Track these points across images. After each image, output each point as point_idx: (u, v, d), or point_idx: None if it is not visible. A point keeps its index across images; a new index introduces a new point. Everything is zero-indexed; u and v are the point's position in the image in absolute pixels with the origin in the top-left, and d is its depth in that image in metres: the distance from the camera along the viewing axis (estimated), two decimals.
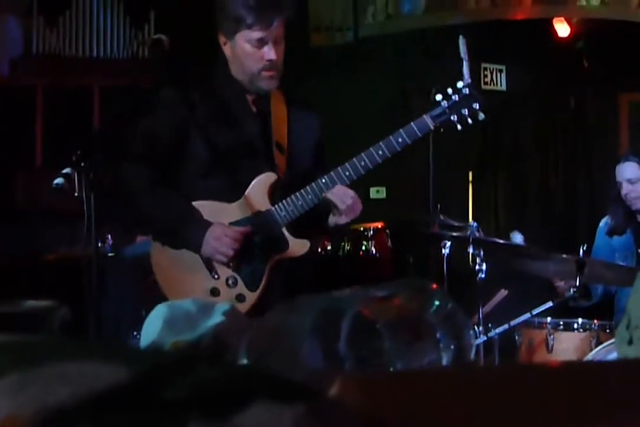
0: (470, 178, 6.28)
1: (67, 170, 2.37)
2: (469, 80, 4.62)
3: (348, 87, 6.11)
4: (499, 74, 6.22)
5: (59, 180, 2.35)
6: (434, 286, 1.14)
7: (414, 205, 5.75)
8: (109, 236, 4.98)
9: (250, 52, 2.57)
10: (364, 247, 4.90)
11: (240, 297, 2.58)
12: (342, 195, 2.56)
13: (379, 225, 4.97)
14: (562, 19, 6.05)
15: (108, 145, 2.46)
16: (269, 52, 2.56)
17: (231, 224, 2.59)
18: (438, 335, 1.06)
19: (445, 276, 3.86)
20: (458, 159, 6.35)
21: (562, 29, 6.07)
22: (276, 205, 2.60)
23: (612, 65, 6.04)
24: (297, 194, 2.58)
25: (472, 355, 1.11)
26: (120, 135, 2.62)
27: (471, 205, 6.15)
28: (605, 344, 3.20)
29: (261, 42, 2.55)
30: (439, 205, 4.14)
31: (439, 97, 2.61)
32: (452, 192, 6.13)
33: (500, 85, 6.23)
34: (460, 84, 2.63)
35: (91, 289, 2.36)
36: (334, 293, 1.12)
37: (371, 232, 4.90)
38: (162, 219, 2.62)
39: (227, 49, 2.64)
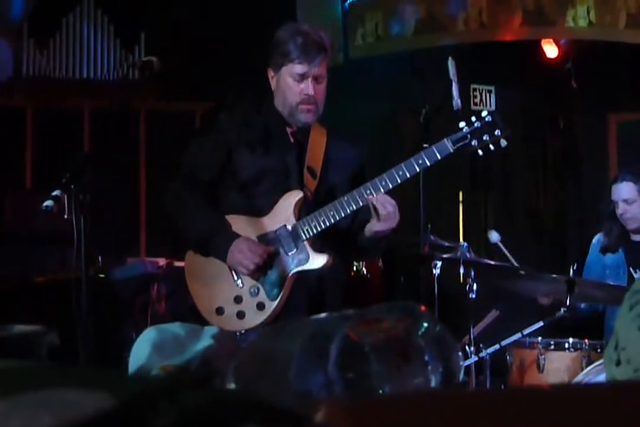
0: (461, 198, 6.30)
1: (56, 192, 2.38)
2: (459, 101, 4.67)
3: (338, 108, 6.13)
4: (488, 95, 6.25)
5: (48, 203, 2.36)
6: (423, 307, 1.14)
7: (404, 225, 5.75)
8: (99, 258, 4.97)
9: (292, 85, 2.80)
10: (355, 268, 4.91)
11: (260, 306, 2.75)
12: (383, 201, 2.67)
13: None
14: (551, 40, 6.10)
15: (98, 167, 2.48)
16: (308, 87, 2.78)
17: (258, 237, 2.80)
18: (426, 357, 1.05)
19: (436, 296, 3.87)
20: (449, 179, 6.37)
21: (551, 50, 6.12)
22: (300, 221, 2.77)
23: (600, 86, 6.09)
24: (320, 210, 2.74)
25: (461, 377, 1.11)
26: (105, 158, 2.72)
27: (462, 226, 6.16)
28: (595, 363, 3.20)
29: (302, 77, 2.79)
30: (429, 226, 4.15)
31: (462, 124, 2.69)
32: (443, 212, 6.15)
33: (490, 105, 6.27)
34: (484, 113, 2.70)
35: (81, 311, 2.35)
36: (322, 316, 1.12)
37: None
38: (197, 228, 2.82)
39: (273, 83, 2.88)
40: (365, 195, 2.69)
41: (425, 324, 1.09)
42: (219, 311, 2.75)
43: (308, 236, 2.76)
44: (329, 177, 2.89)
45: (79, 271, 2.39)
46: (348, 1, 6.57)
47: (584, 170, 6.43)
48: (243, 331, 2.66)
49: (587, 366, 3.29)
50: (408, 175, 2.68)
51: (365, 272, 4.92)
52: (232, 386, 1.05)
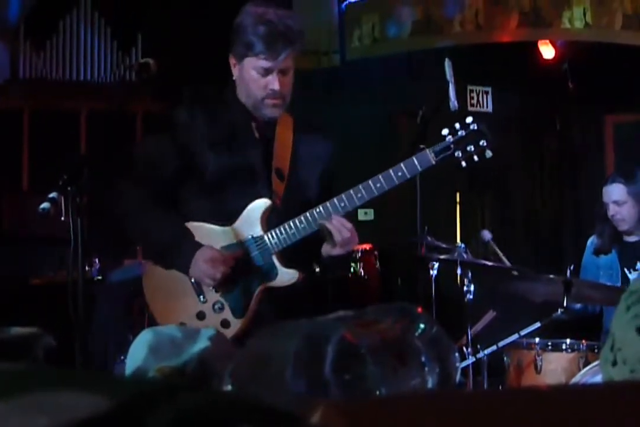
0: (458, 199, 6.30)
1: (53, 194, 2.37)
2: (456, 102, 4.67)
3: (334, 110, 6.14)
4: (484, 96, 6.26)
5: (45, 205, 2.35)
6: (419, 309, 1.14)
7: (401, 227, 5.76)
8: (96, 260, 4.97)
9: (256, 78, 2.57)
10: (352, 269, 4.91)
11: (225, 323, 2.55)
12: (339, 227, 2.51)
13: (367, 247, 4.97)
14: (547, 41, 6.11)
15: (95, 169, 2.46)
16: (274, 82, 2.55)
17: (222, 247, 2.57)
18: (423, 358, 1.05)
19: (434, 298, 3.87)
20: (446, 181, 6.37)
21: (547, 51, 6.13)
22: (268, 233, 2.57)
23: (596, 87, 6.09)
24: (290, 222, 2.54)
25: (458, 378, 1.11)
26: (110, 158, 2.62)
27: (459, 227, 6.17)
28: (593, 364, 3.20)
29: (267, 71, 2.56)
30: (426, 227, 4.15)
31: (445, 131, 2.53)
32: (440, 214, 6.15)
33: (486, 107, 6.28)
34: (469, 120, 2.54)
35: (78, 313, 2.35)
36: (318, 318, 1.12)
37: (359, 254, 4.91)
38: (155, 237, 2.60)
39: (235, 71, 2.64)
40: (340, 208, 2.50)
41: (422, 326, 1.09)
42: None
43: (277, 249, 2.55)
44: (298, 176, 2.67)
45: (75, 273, 2.38)
46: (345, 3, 6.58)
47: (581, 171, 6.44)
48: None
49: (584, 366, 3.29)
50: (386, 187, 2.49)
51: (362, 273, 4.93)
52: (228, 387, 1.05)
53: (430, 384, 1.04)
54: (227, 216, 2.59)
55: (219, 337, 1.40)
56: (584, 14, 5.66)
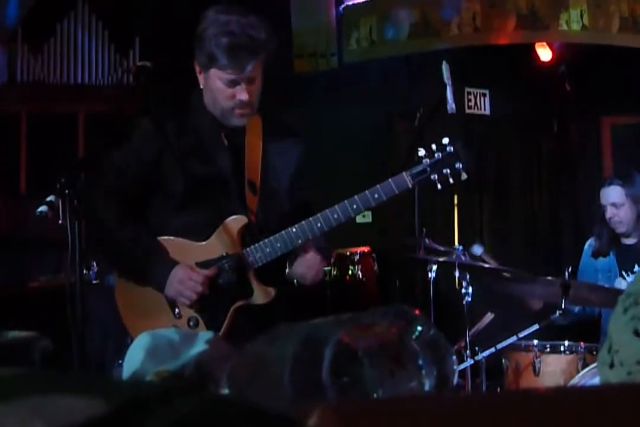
0: (456, 202, 6.31)
1: (51, 197, 2.37)
2: (453, 105, 4.67)
3: (333, 112, 6.14)
4: (482, 98, 6.26)
5: (42, 208, 2.35)
6: (417, 311, 1.14)
7: (400, 229, 5.76)
8: (94, 263, 4.96)
9: (222, 89, 2.51)
10: (350, 272, 4.91)
11: None
12: (309, 264, 2.58)
13: (365, 249, 4.97)
14: (544, 43, 6.12)
15: (92, 173, 2.46)
16: (241, 93, 2.50)
17: (197, 264, 2.54)
18: (420, 361, 1.05)
19: (432, 300, 3.87)
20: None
21: (544, 53, 6.14)
22: (245, 250, 2.55)
23: (594, 89, 6.10)
24: (267, 240, 2.53)
25: (455, 381, 1.11)
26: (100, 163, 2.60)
27: (457, 229, 6.17)
28: (591, 366, 3.20)
29: (233, 83, 2.50)
30: (424, 230, 4.15)
31: (421, 152, 2.53)
32: (438, 216, 6.15)
33: (484, 109, 6.28)
34: (445, 141, 2.54)
35: (75, 317, 2.35)
36: (315, 321, 1.12)
37: (357, 256, 4.91)
38: (128, 254, 2.55)
39: (201, 79, 2.58)
40: (316, 228, 2.49)
41: (419, 328, 1.09)
42: None
43: (253, 267, 2.53)
44: (270, 185, 2.64)
45: (73, 276, 2.38)
46: (342, 6, 6.58)
47: (578, 173, 6.45)
48: None
49: (582, 368, 3.29)
50: (362, 208, 2.50)
51: (360, 276, 4.92)
52: (225, 391, 1.05)
53: (427, 387, 1.04)
54: (201, 230, 2.55)
55: (216, 341, 1.40)
56: (581, 16, 5.67)
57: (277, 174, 2.67)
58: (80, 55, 6.49)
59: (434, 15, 6.21)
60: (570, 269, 3.37)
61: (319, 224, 2.51)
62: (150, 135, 2.56)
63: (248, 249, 2.54)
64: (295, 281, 2.65)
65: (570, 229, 6.39)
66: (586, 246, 4.10)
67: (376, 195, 2.50)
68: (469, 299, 3.52)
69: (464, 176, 2.56)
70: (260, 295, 2.55)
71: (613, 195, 3.86)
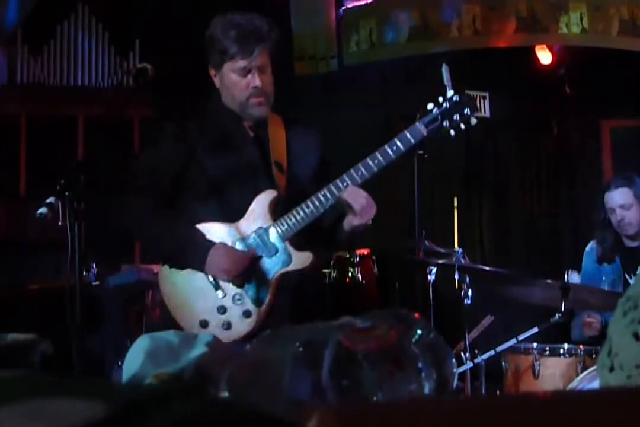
0: (456, 204, 6.31)
1: (50, 199, 2.37)
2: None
3: (332, 114, 6.14)
4: (482, 101, 6.25)
5: (42, 210, 2.35)
6: (416, 315, 1.14)
7: (399, 231, 5.75)
8: (94, 265, 4.96)
9: (237, 81, 2.69)
10: (350, 274, 4.90)
11: (246, 313, 2.63)
12: (355, 195, 2.62)
13: (365, 252, 4.97)
14: (544, 46, 6.13)
15: (92, 175, 2.47)
16: (254, 80, 2.67)
17: (234, 242, 2.66)
18: (420, 364, 1.05)
19: (431, 303, 3.86)
20: (443, 185, 6.38)
21: (544, 56, 6.15)
22: (277, 221, 2.67)
23: (593, 92, 6.11)
24: (297, 208, 2.64)
25: (454, 384, 1.11)
26: (107, 165, 2.65)
27: (456, 231, 6.17)
28: (590, 369, 3.19)
29: (245, 71, 2.67)
30: (424, 232, 4.15)
31: (430, 105, 2.67)
32: (438, 219, 6.16)
33: (484, 111, 6.28)
34: (450, 93, 2.69)
35: (75, 319, 2.35)
36: (315, 324, 1.12)
37: (357, 258, 4.91)
38: (168, 241, 2.68)
39: (217, 81, 2.77)
40: (342, 187, 2.61)
41: (419, 331, 1.09)
42: (203, 324, 2.61)
43: (287, 236, 2.65)
44: (296, 169, 2.78)
45: (73, 278, 2.38)
46: (342, 8, 6.59)
47: (578, 175, 6.45)
48: (232, 342, 2.53)
49: (582, 371, 3.28)
50: (384, 162, 2.63)
51: (360, 278, 4.92)
52: (225, 394, 1.05)
53: (427, 390, 1.04)
54: (235, 213, 2.68)
55: (216, 343, 1.40)
56: (581, 19, 5.68)
57: (302, 161, 2.80)
58: (80, 57, 6.49)
59: (434, 17, 6.22)
60: (569, 272, 3.36)
61: (345, 183, 2.63)
62: (176, 136, 2.73)
63: (280, 219, 2.66)
64: (349, 232, 2.69)
65: (570, 231, 6.39)
66: (587, 250, 4.07)
67: (394, 148, 2.63)
68: (469, 301, 3.52)
69: (474, 121, 2.70)
70: (299, 260, 2.66)
71: (622, 197, 3.84)
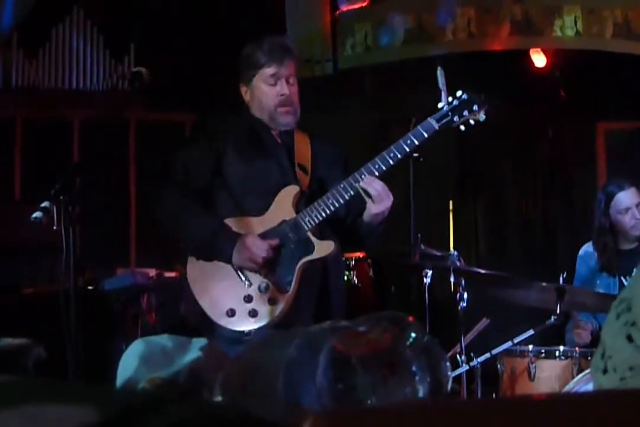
0: (451, 207, 6.31)
1: (45, 203, 2.37)
2: None
3: (327, 118, 6.14)
4: None
5: (37, 214, 2.35)
6: (410, 318, 1.14)
7: (395, 234, 5.75)
8: (89, 269, 4.95)
9: (267, 90, 2.94)
10: (345, 277, 4.90)
11: (272, 301, 2.78)
12: (371, 182, 2.78)
13: (361, 255, 4.97)
14: (539, 49, 6.13)
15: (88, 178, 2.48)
16: (282, 87, 2.92)
17: (260, 234, 2.83)
18: (414, 368, 1.05)
19: (427, 305, 3.86)
20: (438, 188, 6.38)
21: (539, 59, 6.16)
22: (300, 213, 2.84)
23: (588, 95, 6.11)
24: (319, 200, 2.82)
25: (449, 387, 1.11)
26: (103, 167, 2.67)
27: (452, 235, 6.17)
28: (586, 371, 3.20)
29: (275, 78, 2.92)
30: (419, 235, 4.15)
31: (440, 104, 2.88)
32: (433, 222, 6.15)
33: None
34: (459, 93, 2.91)
35: (70, 323, 2.34)
36: (310, 328, 1.11)
37: (353, 262, 4.90)
38: (198, 234, 2.85)
39: (247, 96, 3.00)
40: (360, 180, 2.78)
41: (413, 335, 1.09)
42: (230, 312, 2.75)
43: (310, 226, 2.82)
44: (319, 173, 2.98)
45: (67, 282, 2.38)
46: (337, 12, 6.59)
47: (573, 178, 6.46)
48: (254, 329, 2.69)
49: (577, 373, 3.29)
50: (399, 156, 2.80)
51: (356, 281, 4.92)
52: (219, 398, 1.05)
53: (421, 393, 1.04)
54: (261, 209, 2.88)
55: (210, 348, 1.40)
56: (575, 23, 5.69)
57: (326, 169, 3.00)
58: (75, 60, 6.48)
59: (429, 21, 6.22)
60: (565, 274, 3.37)
61: (362, 176, 2.80)
62: (214, 136, 2.98)
63: (303, 211, 2.84)
64: (368, 222, 2.85)
65: (565, 234, 6.40)
66: (581, 253, 4.05)
67: (409, 142, 2.82)
68: (464, 304, 3.52)
69: (482, 117, 2.89)
70: (322, 249, 2.81)
71: (635, 196, 3.84)
